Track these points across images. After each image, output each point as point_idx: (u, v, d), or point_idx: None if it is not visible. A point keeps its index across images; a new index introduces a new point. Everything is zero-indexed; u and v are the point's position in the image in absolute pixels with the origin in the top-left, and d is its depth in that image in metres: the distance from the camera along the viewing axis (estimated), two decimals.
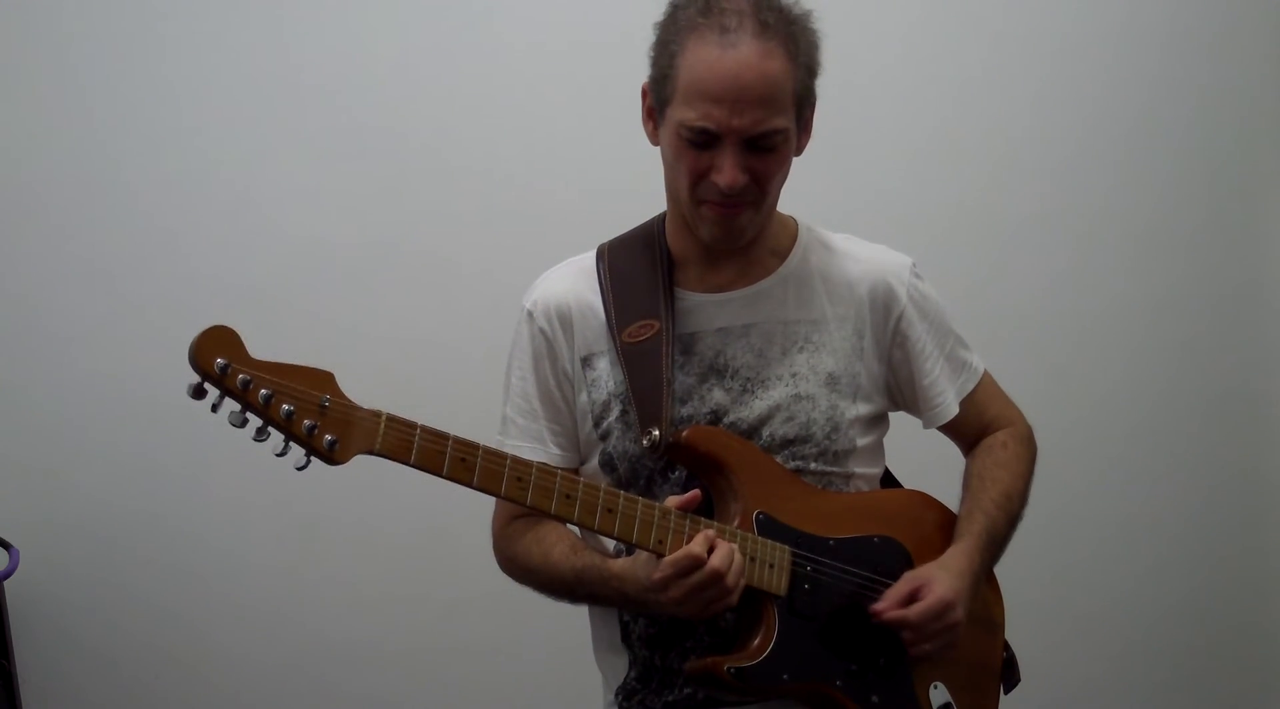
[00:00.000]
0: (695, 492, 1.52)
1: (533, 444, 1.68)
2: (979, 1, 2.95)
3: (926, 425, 1.78)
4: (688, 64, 1.51)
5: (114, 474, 2.63)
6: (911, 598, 1.58)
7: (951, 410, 1.76)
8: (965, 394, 1.78)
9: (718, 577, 1.45)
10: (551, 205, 2.72)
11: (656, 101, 1.58)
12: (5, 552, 2.44)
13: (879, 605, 1.58)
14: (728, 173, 1.51)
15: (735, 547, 1.49)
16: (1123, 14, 3.00)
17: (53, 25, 2.60)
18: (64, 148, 2.61)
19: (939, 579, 1.60)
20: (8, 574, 2.38)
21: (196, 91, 2.65)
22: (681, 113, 1.52)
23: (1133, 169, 3.04)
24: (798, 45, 1.52)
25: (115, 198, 2.63)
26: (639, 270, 1.67)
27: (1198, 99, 3.06)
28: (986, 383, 1.82)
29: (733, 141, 1.51)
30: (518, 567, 1.69)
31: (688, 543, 1.48)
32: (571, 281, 1.70)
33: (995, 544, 1.71)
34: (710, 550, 1.46)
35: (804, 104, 1.56)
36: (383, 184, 2.72)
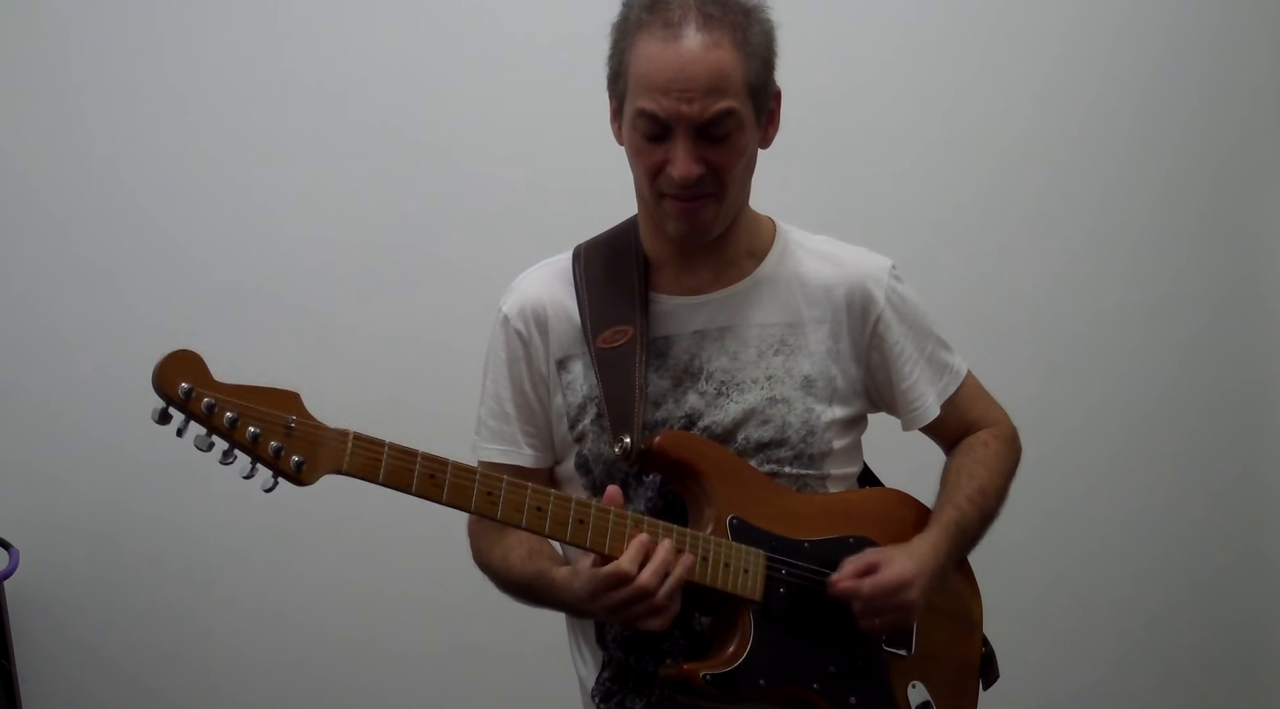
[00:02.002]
0: (613, 488, 1.51)
1: (505, 446, 1.68)
2: (976, 1, 2.94)
3: (906, 428, 1.77)
4: (636, 60, 1.52)
5: (114, 474, 2.63)
6: (868, 572, 1.58)
7: (931, 413, 1.75)
8: (947, 396, 1.77)
9: (644, 594, 1.44)
10: (552, 205, 2.71)
11: (615, 100, 1.59)
12: (5, 552, 2.44)
13: (834, 576, 1.57)
14: (681, 163, 1.51)
15: (674, 561, 1.46)
16: (1122, 13, 2.99)
17: (52, 25, 2.60)
18: (64, 148, 2.61)
19: (897, 559, 1.59)
20: (8, 574, 2.38)
21: (196, 91, 2.66)
22: (632, 105, 1.53)
23: (1132, 169, 3.03)
24: (746, 36, 1.52)
25: (115, 198, 2.63)
26: (614, 273, 1.67)
27: (1197, 98, 3.05)
28: (969, 385, 1.80)
29: (684, 131, 1.51)
30: (482, 562, 1.70)
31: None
32: (548, 284, 1.70)
33: (965, 537, 1.70)
34: (645, 562, 1.45)
35: (761, 94, 1.56)
36: (383, 184, 2.72)
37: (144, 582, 2.66)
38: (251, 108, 2.68)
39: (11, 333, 2.60)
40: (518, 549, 1.63)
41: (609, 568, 1.45)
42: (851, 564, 1.58)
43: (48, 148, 2.61)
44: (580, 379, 1.65)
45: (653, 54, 1.51)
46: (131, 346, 2.56)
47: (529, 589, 1.62)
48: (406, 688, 2.76)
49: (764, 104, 1.58)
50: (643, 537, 1.46)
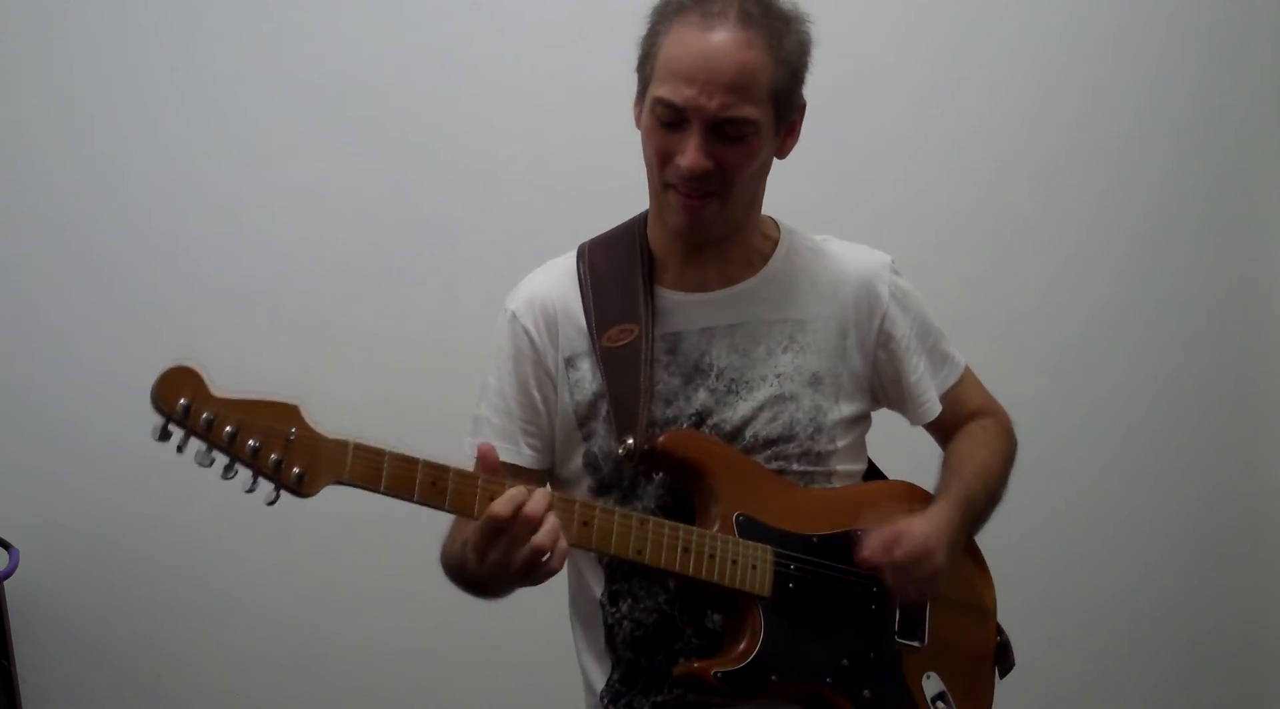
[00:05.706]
0: (486, 446, 1.45)
1: (505, 444, 1.66)
2: (976, 1, 2.94)
3: (914, 422, 1.78)
4: (668, 44, 1.53)
5: (114, 474, 2.63)
6: (893, 544, 1.57)
7: (938, 406, 1.76)
8: (947, 388, 1.78)
9: (519, 524, 1.37)
10: (552, 206, 2.71)
11: (640, 82, 1.59)
12: (5, 552, 2.44)
13: (862, 553, 1.57)
14: (690, 154, 1.51)
15: (549, 502, 1.40)
16: (1121, 13, 3.00)
17: (51, 24, 2.60)
18: (63, 147, 2.61)
19: (916, 525, 1.60)
20: (8, 574, 2.38)
21: (196, 91, 2.65)
22: (655, 90, 1.54)
23: (1131, 169, 3.03)
24: (781, 42, 1.53)
25: (114, 198, 2.63)
26: (619, 270, 1.67)
27: (1196, 98, 3.05)
28: (968, 377, 1.82)
29: (699, 123, 1.51)
30: (445, 567, 1.65)
31: (676, 548, 1.49)
32: (555, 283, 1.70)
33: (973, 509, 1.69)
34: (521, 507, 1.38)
35: (784, 104, 1.56)
36: (383, 184, 2.72)
37: (144, 582, 2.66)
38: (251, 108, 2.67)
39: (11, 333, 2.60)
40: (458, 539, 1.57)
41: (485, 515, 1.38)
42: (876, 539, 1.58)
43: (47, 148, 2.60)
44: (588, 377, 1.65)
45: (685, 40, 1.51)
46: (131, 347, 2.57)
47: (463, 566, 1.54)
48: (406, 688, 2.76)
49: (786, 114, 1.58)
50: (517, 488, 1.39)
